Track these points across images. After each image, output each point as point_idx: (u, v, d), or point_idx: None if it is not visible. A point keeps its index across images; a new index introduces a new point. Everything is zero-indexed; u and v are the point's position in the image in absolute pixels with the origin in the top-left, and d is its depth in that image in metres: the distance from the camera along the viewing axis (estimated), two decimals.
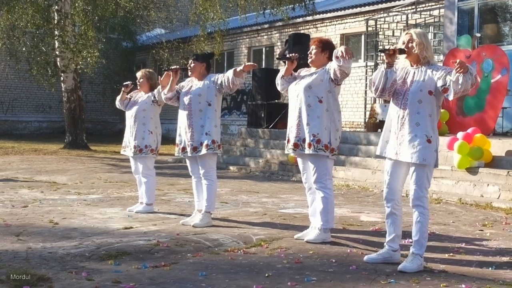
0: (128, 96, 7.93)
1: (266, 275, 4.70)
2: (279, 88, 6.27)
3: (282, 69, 6.22)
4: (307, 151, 5.94)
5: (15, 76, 26.27)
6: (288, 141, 6.14)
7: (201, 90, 6.80)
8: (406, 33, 5.17)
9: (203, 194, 6.87)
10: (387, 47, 5.23)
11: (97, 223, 6.83)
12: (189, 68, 6.93)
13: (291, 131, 6.09)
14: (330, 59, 6.03)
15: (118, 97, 7.95)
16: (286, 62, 6.14)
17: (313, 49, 6.06)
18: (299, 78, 6.10)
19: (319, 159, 5.96)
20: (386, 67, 5.15)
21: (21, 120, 28.74)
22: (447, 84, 4.87)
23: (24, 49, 20.29)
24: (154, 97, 7.67)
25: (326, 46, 6.08)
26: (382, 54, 5.23)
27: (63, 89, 19.96)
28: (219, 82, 6.78)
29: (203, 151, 6.75)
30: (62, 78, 19.85)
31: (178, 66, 7.11)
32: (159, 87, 7.40)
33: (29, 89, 28.01)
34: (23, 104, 28.83)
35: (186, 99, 6.84)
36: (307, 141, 5.93)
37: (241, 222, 7.06)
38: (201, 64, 6.90)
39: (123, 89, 7.91)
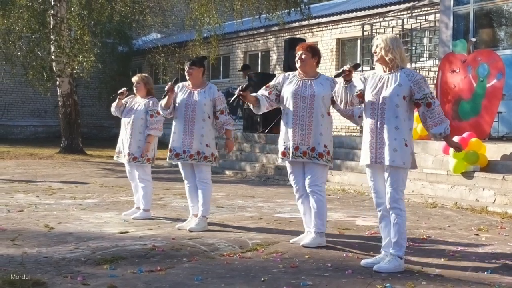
0: (124, 101, 7.86)
1: (262, 279, 4.70)
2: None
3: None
4: (316, 161, 5.91)
5: (11, 81, 26.20)
6: (297, 148, 5.93)
7: (206, 100, 6.79)
8: (376, 39, 5.22)
9: (198, 199, 6.87)
10: (341, 70, 5.28)
11: (92, 227, 6.82)
12: (187, 74, 6.87)
13: (299, 137, 5.93)
14: (317, 65, 6.06)
15: (114, 104, 7.85)
16: None
17: (302, 54, 5.97)
18: (303, 85, 5.98)
19: (318, 164, 5.98)
20: (345, 83, 5.19)
21: (16, 124, 28.67)
22: (421, 101, 5.05)
23: (19, 53, 20.23)
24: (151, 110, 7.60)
25: (315, 53, 6.06)
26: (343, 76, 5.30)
27: (58, 93, 19.91)
28: (217, 109, 6.82)
29: (202, 161, 6.78)
30: (57, 83, 19.80)
31: (171, 83, 6.85)
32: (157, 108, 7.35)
33: (25, 93, 27.94)
34: (19, 108, 28.76)
35: (189, 107, 6.77)
36: (318, 150, 5.90)
37: (237, 227, 7.06)
38: (199, 68, 6.88)
39: (118, 96, 7.87)
